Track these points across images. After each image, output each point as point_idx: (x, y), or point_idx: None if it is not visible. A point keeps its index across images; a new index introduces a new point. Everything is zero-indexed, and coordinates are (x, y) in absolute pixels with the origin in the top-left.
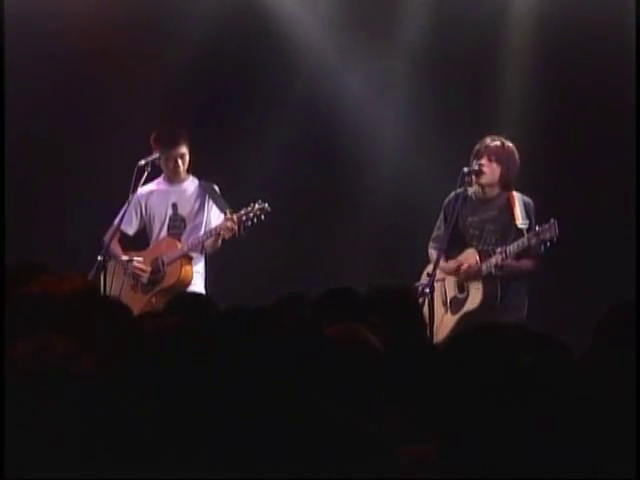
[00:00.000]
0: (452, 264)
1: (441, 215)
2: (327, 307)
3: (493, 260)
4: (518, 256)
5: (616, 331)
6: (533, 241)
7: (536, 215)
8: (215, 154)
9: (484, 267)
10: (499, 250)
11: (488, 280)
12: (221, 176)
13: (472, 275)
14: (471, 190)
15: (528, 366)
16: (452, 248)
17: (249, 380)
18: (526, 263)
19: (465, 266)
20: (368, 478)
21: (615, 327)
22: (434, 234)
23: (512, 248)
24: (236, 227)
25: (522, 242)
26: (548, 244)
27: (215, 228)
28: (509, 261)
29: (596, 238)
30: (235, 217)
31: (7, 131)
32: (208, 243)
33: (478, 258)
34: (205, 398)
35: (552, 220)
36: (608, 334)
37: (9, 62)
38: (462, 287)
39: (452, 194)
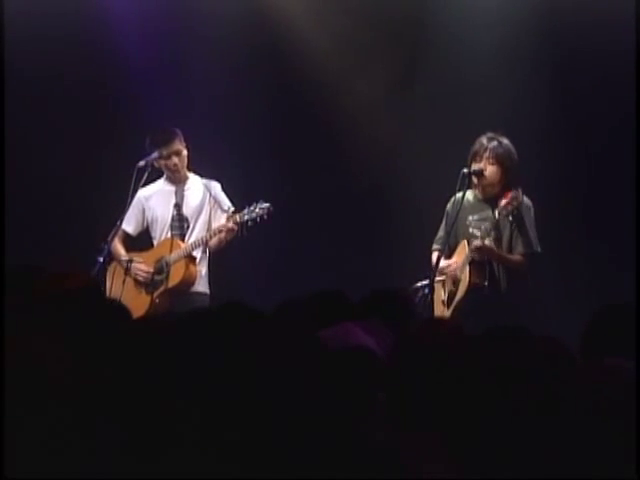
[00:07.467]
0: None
1: (444, 218)
2: (321, 310)
3: (474, 241)
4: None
5: (606, 332)
6: (503, 213)
7: (535, 214)
8: (217, 152)
9: (470, 253)
10: (479, 234)
11: (475, 268)
12: (223, 173)
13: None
14: (472, 191)
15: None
16: (453, 249)
17: (243, 383)
18: (514, 256)
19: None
20: (367, 478)
21: (604, 328)
22: (437, 236)
23: (487, 226)
24: (237, 228)
25: (494, 218)
26: (516, 212)
27: (217, 228)
28: (491, 244)
29: (596, 238)
30: (237, 217)
31: (7, 131)
32: (211, 243)
33: (467, 249)
34: (199, 400)
35: (517, 189)
36: (599, 335)
37: (9, 62)
38: (455, 282)
39: (453, 197)
